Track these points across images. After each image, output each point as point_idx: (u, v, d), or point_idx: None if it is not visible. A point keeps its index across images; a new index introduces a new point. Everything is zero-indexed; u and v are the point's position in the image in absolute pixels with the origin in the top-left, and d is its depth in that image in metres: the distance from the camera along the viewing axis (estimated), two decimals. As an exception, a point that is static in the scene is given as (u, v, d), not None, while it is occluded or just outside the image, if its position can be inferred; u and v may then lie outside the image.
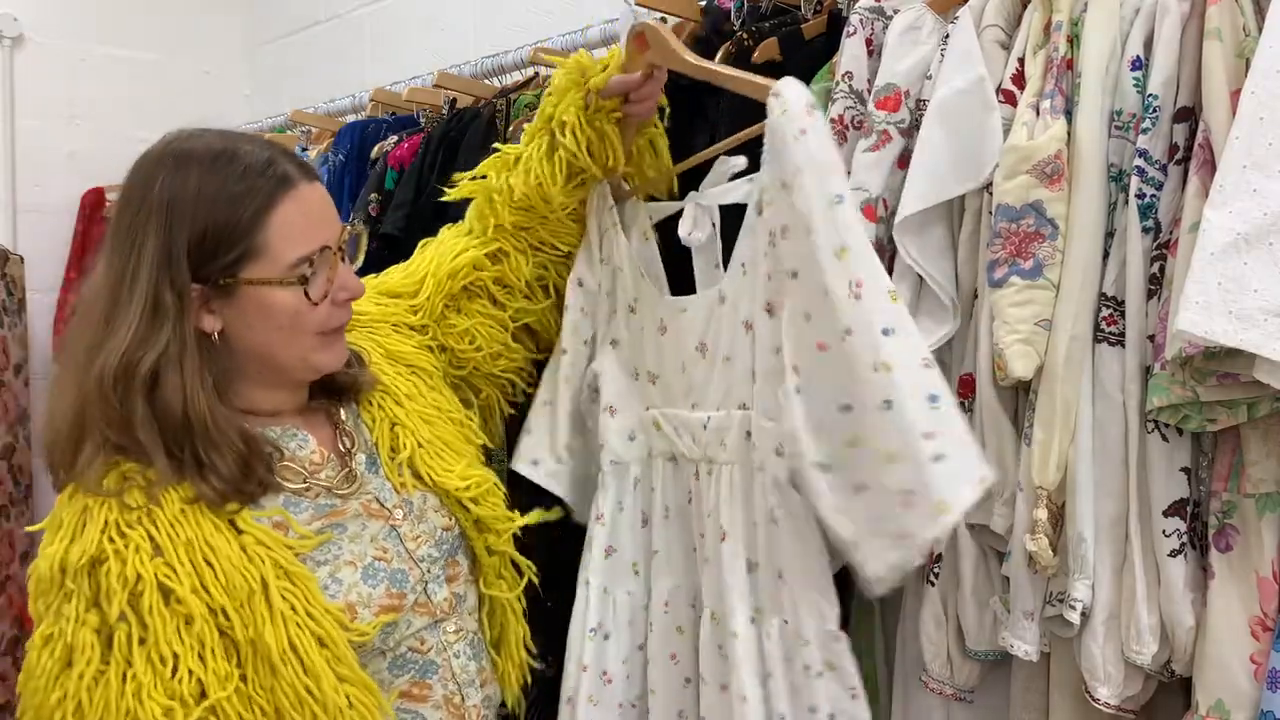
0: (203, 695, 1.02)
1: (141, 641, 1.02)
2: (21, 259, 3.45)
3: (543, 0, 2.74)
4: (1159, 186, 1.25)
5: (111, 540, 1.03)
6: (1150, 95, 1.26)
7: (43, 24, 3.56)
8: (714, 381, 1.29)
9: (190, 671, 1.01)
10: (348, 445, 1.25)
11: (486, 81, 2.51)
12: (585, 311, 1.47)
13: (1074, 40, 1.32)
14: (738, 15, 1.84)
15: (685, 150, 1.76)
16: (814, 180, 1.13)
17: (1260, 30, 1.18)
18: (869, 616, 1.61)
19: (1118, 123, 1.30)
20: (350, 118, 2.89)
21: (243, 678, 1.04)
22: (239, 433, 1.12)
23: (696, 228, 1.37)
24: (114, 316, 1.09)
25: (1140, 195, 1.25)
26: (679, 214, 1.43)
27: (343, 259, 1.18)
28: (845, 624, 1.62)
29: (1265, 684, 1.17)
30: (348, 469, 1.23)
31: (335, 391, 1.27)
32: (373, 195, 2.45)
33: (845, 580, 1.62)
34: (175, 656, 1.01)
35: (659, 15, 2.01)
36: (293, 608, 1.07)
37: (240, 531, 1.09)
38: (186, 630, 1.02)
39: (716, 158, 1.42)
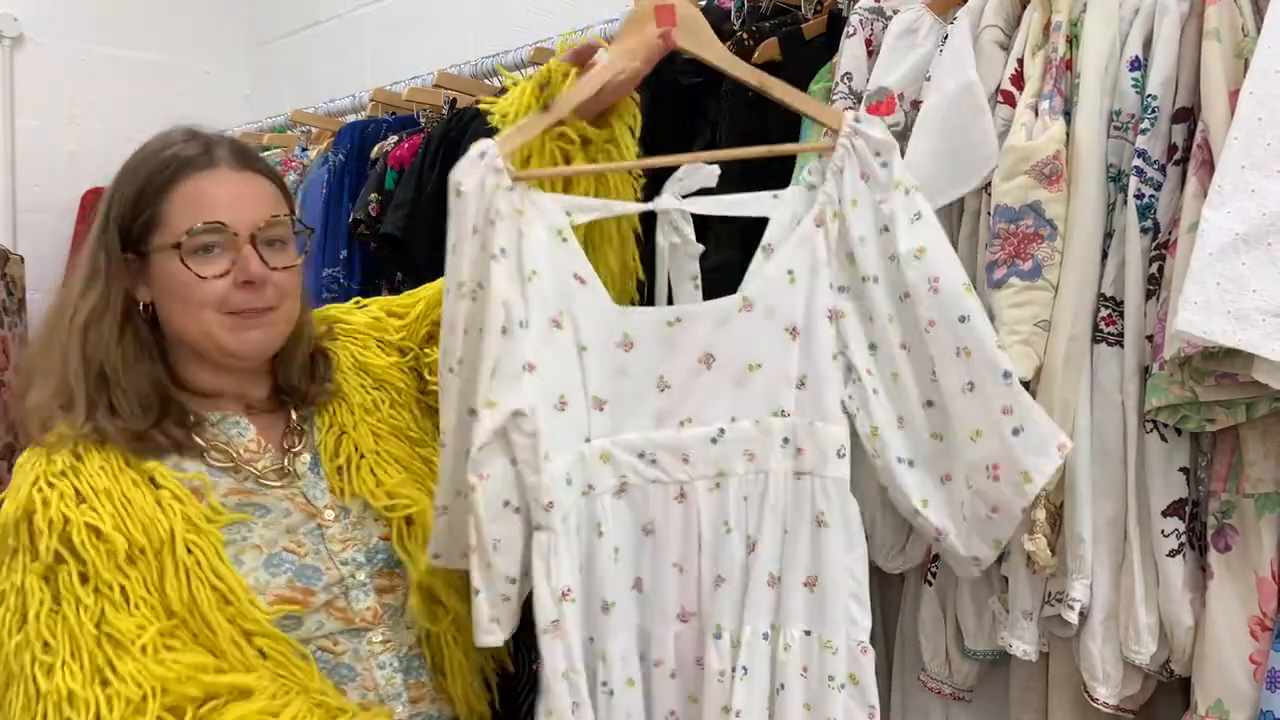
0: (169, 616, 1.10)
1: (84, 578, 1.08)
2: (21, 259, 3.45)
3: (543, 0, 2.74)
4: (1158, 187, 1.25)
5: (40, 490, 1.11)
6: (1149, 96, 1.26)
7: (43, 24, 3.57)
8: (725, 393, 1.22)
9: (143, 599, 1.09)
10: (294, 444, 1.28)
11: (486, 81, 2.52)
12: (466, 331, 1.14)
13: (1073, 41, 1.32)
14: (738, 15, 1.84)
15: (683, 149, 1.75)
16: (909, 197, 1.19)
17: (1259, 30, 1.18)
18: (868, 616, 1.61)
19: (1116, 123, 1.30)
20: (350, 118, 2.89)
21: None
22: (154, 386, 1.20)
23: (679, 235, 1.28)
24: (69, 281, 1.24)
25: (1139, 195, 1.25)
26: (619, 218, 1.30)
27: (257, 246, 1.20)
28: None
29: (1264, 684, 1.17)
30: (283, 464, 1.26)
31: (297, 394, 1.30)
32: (373, 195, 2.45)
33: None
34: (122, 587, 1.09)
35: (659, 15, 2.01)
36: (198, 562, 1.13)
37: (157, 486, 1.15)
38: (127, 565, 1.10)
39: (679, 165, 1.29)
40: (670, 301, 1.30)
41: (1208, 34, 1.21)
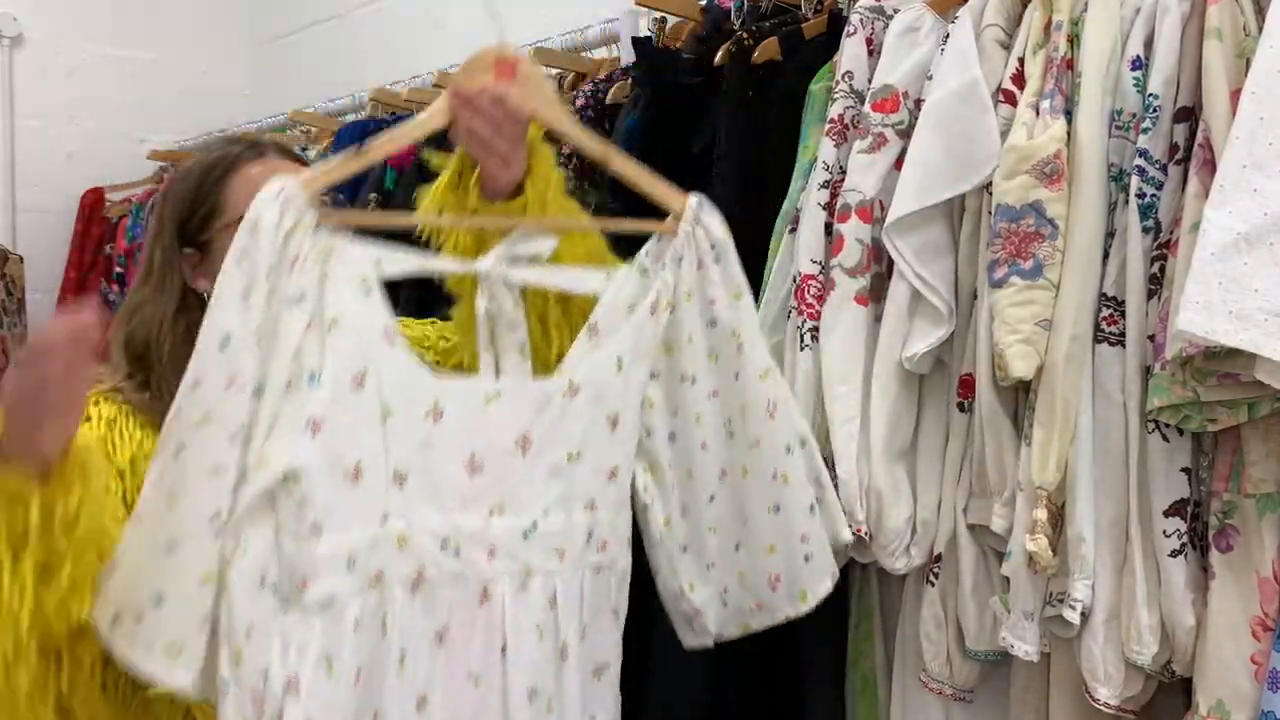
0: None
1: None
2: (21, 259, 3.46)
3: (543, 0, 2.74)
4: (1159, 186, 1.25)
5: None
6: (1150, 95, 1.26)
7: (43, 24, 3.57)
8: (541, 482, 1.12)
9: None
10: None
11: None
12: (234, 384, 0.97)
13: (1074, 40, 1.32)
14: (738, 15, 1.84)
15: (679, 155, 1.75)
16: (748, 306, 1.21)
17: (1260, 30, 1.18)
18: (869, 616, 1.61)
19: (1118, 122, 1.30)
20: (350, 118, 2.89)
21: None
22: None
23: (502, 303, 1.14)
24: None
25: (1140, 195, 1.25)
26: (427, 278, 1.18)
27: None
28: (845, 623, 1.63)
29: (1266, 684, 1.17)
30: None
31: None
32: (372, 195, 2.45)
33: (844, 580, 1.62)
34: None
35: (659, 15, 2.02)
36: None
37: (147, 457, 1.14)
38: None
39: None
40: (497, 374, 1.15)
41: (1209, 33, 1.21)
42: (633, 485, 1.21)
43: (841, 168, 1.50)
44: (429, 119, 1.12)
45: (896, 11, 1.52)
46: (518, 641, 1.10)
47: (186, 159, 3.45)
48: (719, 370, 1.21)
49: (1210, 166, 1.16)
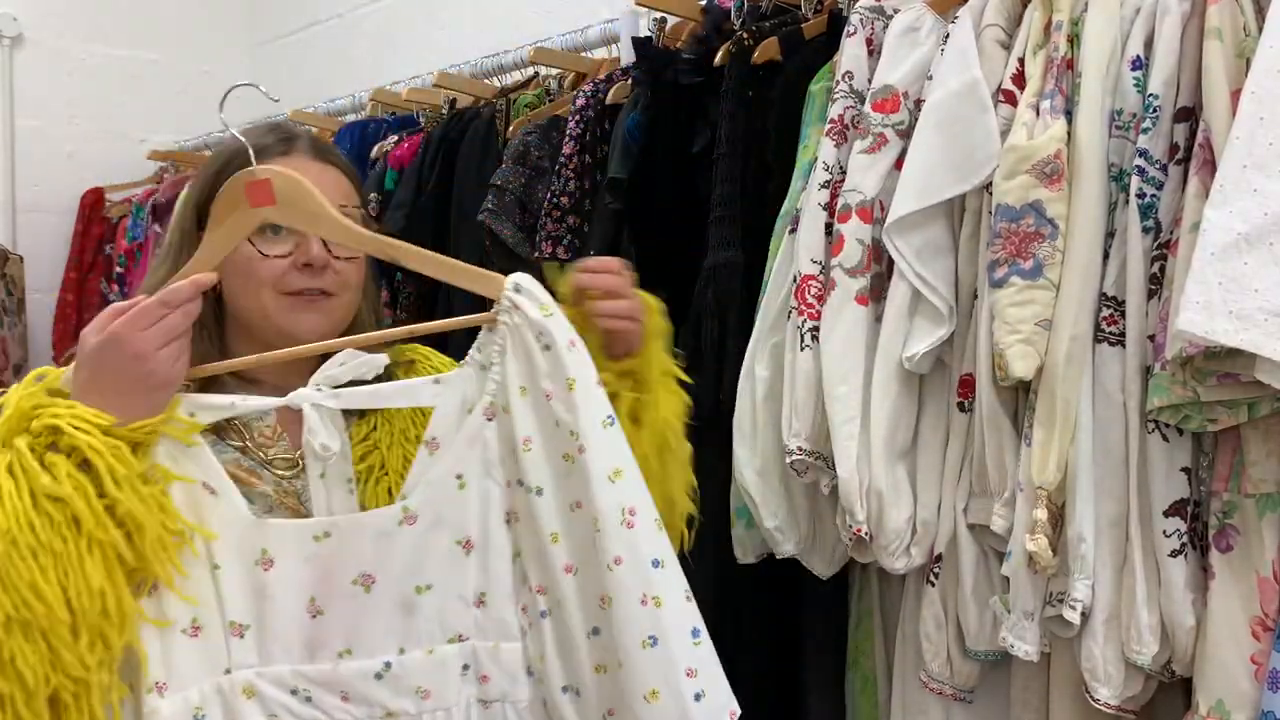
0: None
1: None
2: (21, 259, 3.46)
3: (543, 0, 2.74)
4: (1159, 186, 1.25)
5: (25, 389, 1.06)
6: (1150, 95, 1.26)
7: (43, 24, 3.57)
8: (389, 620, 1.06)
9: None
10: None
11: (486, 81, 2.51)
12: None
13: (1074, 40, 1.32)
14: (738, 15, 1.84)
15: (679, 155, 1.75)
16: (585, 396, 1.05)
17: (1260, 30, 1.18)
18: (869, 616, 1.61)
19: (1118, 122, 1.30)
20: (350, 118, 2.89)
21: None
22: (200, 361, 1.13)
23: (324, 435, 1.08)
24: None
25: (1140, 195, 1.25)
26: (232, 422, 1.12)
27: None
28: (845, 623, 1.63)
29: (1265, 684, 1.17)
30: (294, 456, 1.18)
31: None
32: (372, 195, 2.45)
33: (845, 580, 1.62)
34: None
35: (659, 15, 2.01)
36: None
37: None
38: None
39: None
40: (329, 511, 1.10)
41: (1209, 33, 1.21)
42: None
43: (841, 168, 1.50)
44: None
45: (897, 11, 1.52)
46: None
47: (186, 159, 3.47)
48: (573, 476, 1.05)
49: (1210, 166, 1.16)
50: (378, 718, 1.06)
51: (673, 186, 1.75)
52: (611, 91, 1.96)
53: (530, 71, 2.44)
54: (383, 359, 1.11)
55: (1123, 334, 1.27)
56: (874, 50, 1.53)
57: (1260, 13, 1.21)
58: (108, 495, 0.98)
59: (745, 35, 1.75)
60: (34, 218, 3.56)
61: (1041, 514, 1.27)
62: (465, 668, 1.08)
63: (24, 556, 0.95)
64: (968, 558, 1.39)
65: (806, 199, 1.53)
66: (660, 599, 1.03)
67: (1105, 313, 1.28)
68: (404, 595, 1.07)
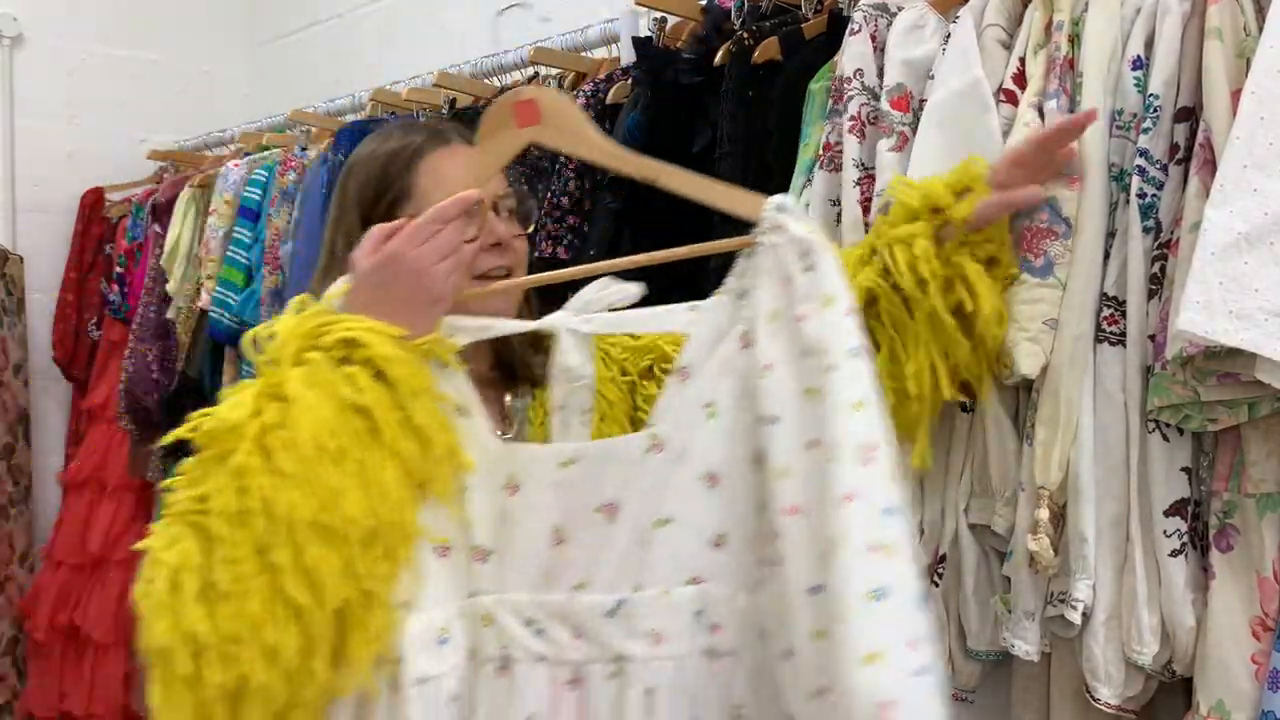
0: None
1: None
2: (21, 259, 3.46)
3: (543, 0, 2.74)
4: (1160, 186, 1.25)
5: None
6: (1151, 95, 1.26)
7: (43, 24, 3.57)
8: (625, 553, 1.01)
9: None
10: (504, 430, 1.19)
11: (486, 81, 2.51)
12: None
13: (1075, 40, 1.32)
14: (738, 15, 1.84)
15: (680, 155, 1.74)
16: (840, 319, 0.98)
17: (1261, 30, 1.18)
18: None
19: (1119, 122, 1.30)
20: (350, 118, 2.89)
21: None
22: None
23: (577, 360, 1.07)
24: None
25: (1141, 195, 1.25)
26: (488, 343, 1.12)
27: (499, 215, 1.17)
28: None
29: (1266, 684, 1.16)
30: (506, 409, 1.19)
31: (518, 367, 1.22)
32: (373, 195, 2.45)
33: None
34: None
35: (659, 14, 2.01)
36: None
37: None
38: None
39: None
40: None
41: (1210, 33, 1.21)
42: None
43: (863, 164, 1.50)
44: None
45: (900, 9, 1.52)
46: None
47: (186, 159, 3.48)
48: (813, 408, 0.97)
49: (1211, 166, 1.16)
50: (606, 659, 1.02)
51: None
52: (612, 91, 1.97)
53: (530, 71, 2.44)
54: (637, 288, 1.08)
55: (1123, 334, 1.27)
56: (878, 47, 1.53)
57: (1260, 13, 1.21)
58: (404, 407, 0.96)
59: (745, 35, 1.75)
60: (34, 218, 3.56)
61: (1044, 514, 1.27)
62: (698, 614, 1.02)
63: (330, 463, 0.93)
64: (969, 558, 1.39)
65: (845, 197, 1.50)
66: (891, 549, 0.92)
67: (1106, 312, 1.28)
68: (643, 528, 1.02)
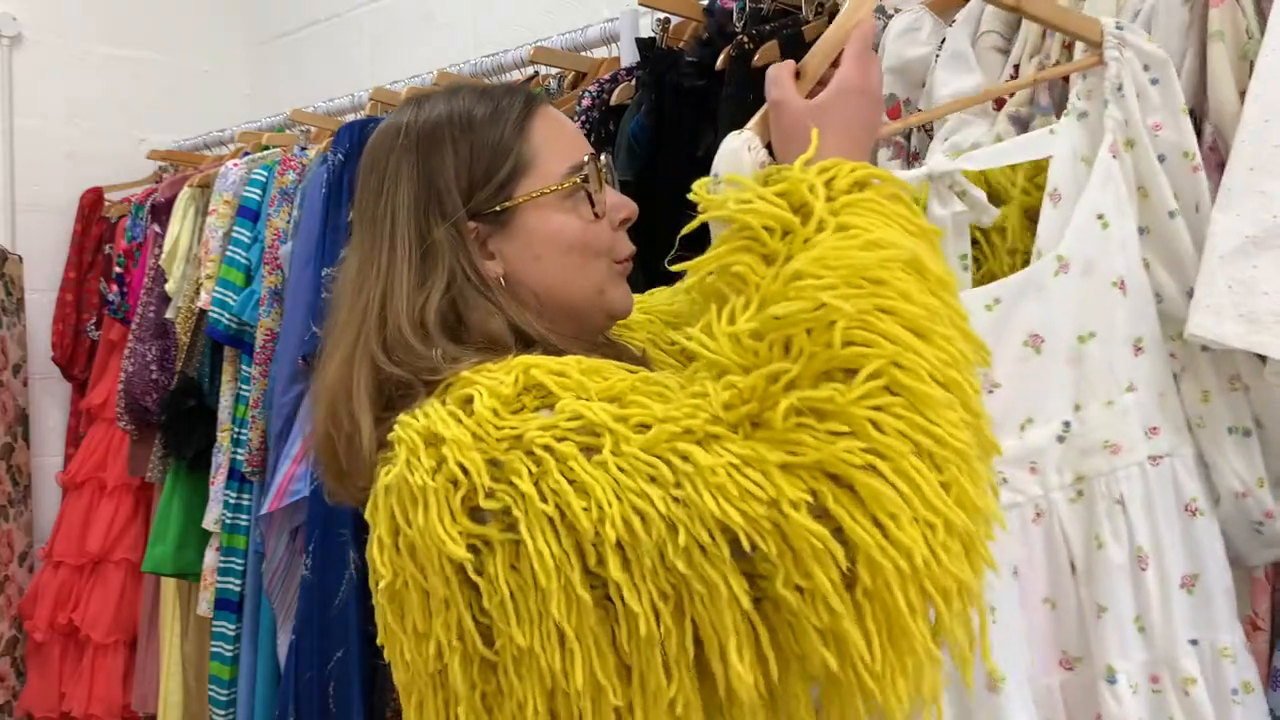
0: None
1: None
2: (21, 259, 3.45)
3: (543, 0, 2.74)
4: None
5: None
6: (1153, 98, 1.26)
7: (43, 24, 3.56)
8: (1059, 376, 1.03)
9: None
10: None
11: (486, 81, 2.51)
12: None
13: (1071, 47, 1.32)
14: (739, 17, 1.84)
15: (684, 158, 1.74)
16: (1187, 127, 1.07)
17: (1262, 32, 1.17)
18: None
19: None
20: (350, 117, 2.88)
21: None
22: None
23: (961, 201, 1.10)
24: (365, 287, 0.96)
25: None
26: None
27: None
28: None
29: (1266, 685, 1.17)
30: None
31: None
32: (374, 195, 2.44)
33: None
34: None
35: (661, 15, 2.01)
36: None
37: None
38: None
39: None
40: None
41: (1212, 36, 1.21)
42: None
43: None
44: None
45: (898, 11, 1.51)
46: (1086, 557, 1.02)
47: (186, 159, 3.47)
48: (1184, 209, 1.05)
49: (1220, 169, 1.16)
50: (1068, 484, 1.03)
51: (678, 189, 1.75)
52: (616, 93, 1.96)
53: (530, 71, 2.44)
54: (984, 126, 1.12)
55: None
56: (876, 50, 1.52)
57: (1262, 15, 1.21)
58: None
59: (746, 39, 1.75)
60: (33, 218, 3.55)
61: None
62: (1141, 419, 1.03)
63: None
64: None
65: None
66: None
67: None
68: (1070, 347, 1.04)
